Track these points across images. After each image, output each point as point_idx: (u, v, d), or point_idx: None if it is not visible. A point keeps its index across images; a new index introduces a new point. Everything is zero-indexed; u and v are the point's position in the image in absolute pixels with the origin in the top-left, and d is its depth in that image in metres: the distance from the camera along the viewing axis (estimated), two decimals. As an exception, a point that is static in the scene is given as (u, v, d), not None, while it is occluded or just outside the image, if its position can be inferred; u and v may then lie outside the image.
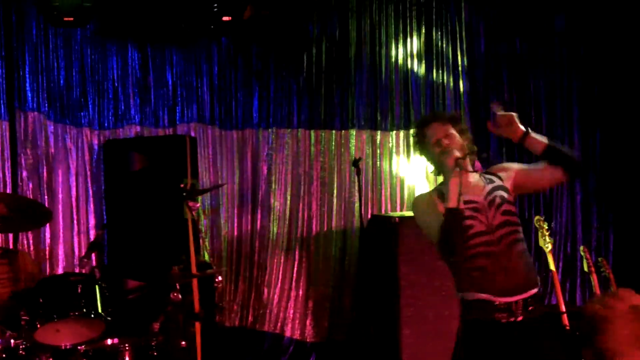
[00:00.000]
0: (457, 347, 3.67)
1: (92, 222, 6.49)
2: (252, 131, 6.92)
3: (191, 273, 5.14)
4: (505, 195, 3.68)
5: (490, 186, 3.69)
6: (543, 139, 3.64)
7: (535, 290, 3.64)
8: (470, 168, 3.69)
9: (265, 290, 6.80)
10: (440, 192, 3.68)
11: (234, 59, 6.90)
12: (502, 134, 3.67)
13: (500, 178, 3.76)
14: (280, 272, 6.83)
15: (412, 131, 4.08)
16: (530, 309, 3.59)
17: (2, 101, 6.27)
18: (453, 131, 3.73)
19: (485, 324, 3.56)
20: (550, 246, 5.93)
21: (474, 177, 3.71)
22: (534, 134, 3.64)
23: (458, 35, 7.08)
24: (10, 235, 6.09)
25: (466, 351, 3.61)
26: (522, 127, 3.62)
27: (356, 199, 6.77)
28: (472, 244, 3.57)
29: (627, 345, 2.39)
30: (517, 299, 3.55)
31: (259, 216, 6.85)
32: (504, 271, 3.53)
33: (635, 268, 6.90)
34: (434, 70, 7.05)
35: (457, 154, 3.57)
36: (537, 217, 6.09)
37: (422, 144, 3.79)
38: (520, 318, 3.55)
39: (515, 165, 3.86)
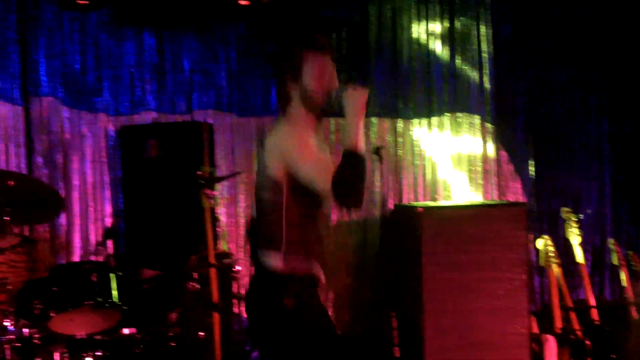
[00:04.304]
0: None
1: (107, 209, 6.37)
2: (271, 118, 6.76)
3: (209, 262, 5.02)
4: None
5: None
6: None
7: None
8: None
9: (285, 281, 6.64)
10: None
11: (251, 44, 6.75)
12: None
13: None
14: (300, 263, 6.67)
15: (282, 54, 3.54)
16: None
17: (17, 86, 6.18)
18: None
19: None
20: (578, 239, 5.79)
21: None
22: None
23: (483, 21, 6.88)
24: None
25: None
26: None
27: (377, 188, 6.61)
28: (315, 207, 3.39)
29: None
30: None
31: (277, 205, 6.69)
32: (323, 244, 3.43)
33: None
34: (458, 57, 6.86)
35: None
36: (564, 209, 5.94)
37: (295, 70, 3.40)
38: None
39: None
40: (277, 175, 3.32)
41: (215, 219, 5.40)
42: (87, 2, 6.07)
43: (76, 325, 4.41)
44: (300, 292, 3.36)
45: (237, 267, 5.27)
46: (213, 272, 5.04)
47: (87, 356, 4.35)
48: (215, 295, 4.98)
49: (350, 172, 3.18)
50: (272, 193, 3.34)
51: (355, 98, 3.28)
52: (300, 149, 3.32)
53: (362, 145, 3.22)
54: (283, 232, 3.35)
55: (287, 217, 3.34)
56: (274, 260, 3.38)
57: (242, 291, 5.66)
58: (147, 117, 6.53)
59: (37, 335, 4.35)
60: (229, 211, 6.63)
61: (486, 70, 6.84)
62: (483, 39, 6.84)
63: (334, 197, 3.20)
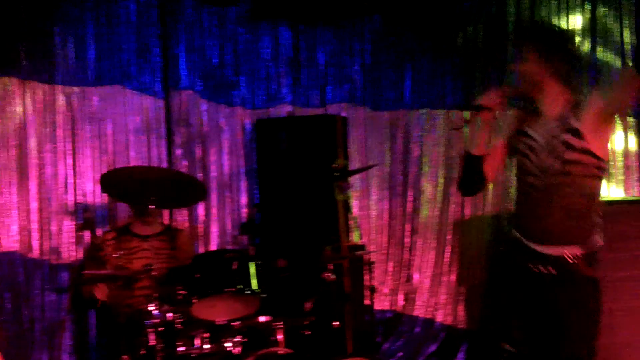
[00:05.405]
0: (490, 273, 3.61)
1: (243, 200, 6.52)
2: (404, 112, 6.75)
3: (342, 254, 5.06)
4: (573, 140, 3.40)
5: (559, 127, 3.42)
6: None
7: (574, 249, 3.43)
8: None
9: (416, 274, 6.64)
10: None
11: (385, 37, 6.74)
12: None
13: (578, 117, 3.44)
14: (432, 256, 6.64)
15: None
16: (564, 265, 3.41)
17: (158, 79, 6.36)
18: (532, 56, 3.51)
19: (515, 266, 3.49)
20: None
21: (550, 108, 3.51)
22: None
23: (626, 10, 6.60)
24: (166, 212, 6.19)
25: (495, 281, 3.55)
26: None
27: (512, 182, 6.48)
28: (521, 179, 3.51)
29: None
30: (547, 250, 3.38)
31: (409, 198, 6.67)
32: (538, 218, 3.39)
33: None
34: (599, 48, 6.61)
35: (488, 98, 3.61)
36: None
37: None
38: (549, 270, 3.40)
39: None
40: None
41: (348, 211, 5.42)
42: (226, -5, 6.22)
43: (217, 311, 4.52)
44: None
45: (370, 259, 5.27)
46: (346, 263, 5.08)
47: (227, 341, 4.46)
48: (348, 287, 5.01)
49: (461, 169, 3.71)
50: None
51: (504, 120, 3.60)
52: None
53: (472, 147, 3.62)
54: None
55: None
56: None
57: (374, 283, 5.68)
58: (282, 110, 6.65)
59: (179, 320, 4.49)
60: (362, 204, 6.66)
61: (629, 62, 6.57)
62: (626, 29, 6.55)
63: None
